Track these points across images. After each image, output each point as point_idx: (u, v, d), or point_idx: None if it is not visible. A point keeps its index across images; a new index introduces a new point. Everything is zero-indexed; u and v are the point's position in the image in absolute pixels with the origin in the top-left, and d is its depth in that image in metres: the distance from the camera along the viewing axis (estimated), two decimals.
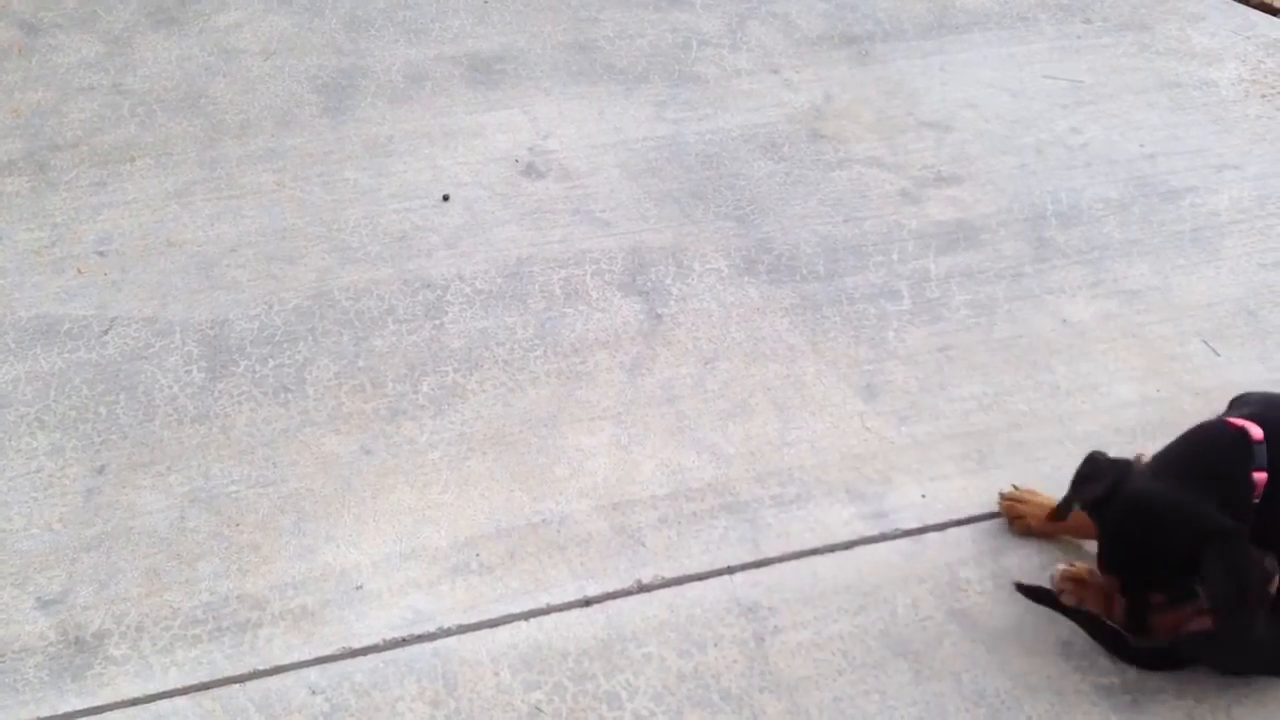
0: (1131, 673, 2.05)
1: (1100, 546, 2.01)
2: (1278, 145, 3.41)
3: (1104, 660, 2.07)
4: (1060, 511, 2.10)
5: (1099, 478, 2.01)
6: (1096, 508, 2.00)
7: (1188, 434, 2.06)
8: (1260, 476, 1.90)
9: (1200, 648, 1.98)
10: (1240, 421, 1.97)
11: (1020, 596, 2.18)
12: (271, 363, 2.64)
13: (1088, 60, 3.77)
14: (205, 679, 2.05)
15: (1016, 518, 2.31)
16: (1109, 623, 2.05)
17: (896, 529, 2.33)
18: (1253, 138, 3.45)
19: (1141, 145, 3.41)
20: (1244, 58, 3.80)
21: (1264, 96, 3.62)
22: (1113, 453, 2.39)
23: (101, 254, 2.90)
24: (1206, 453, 1.99)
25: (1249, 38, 3.90)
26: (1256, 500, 1.91)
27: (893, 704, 2.02)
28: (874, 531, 2.33)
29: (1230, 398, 2.53)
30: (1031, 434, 2.54)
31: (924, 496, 2.39)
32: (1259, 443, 1.93)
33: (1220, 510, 1.86)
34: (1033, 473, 2.44)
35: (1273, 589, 1.85)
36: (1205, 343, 2.76)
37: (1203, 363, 2.70)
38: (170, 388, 2.58)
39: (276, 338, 2.70)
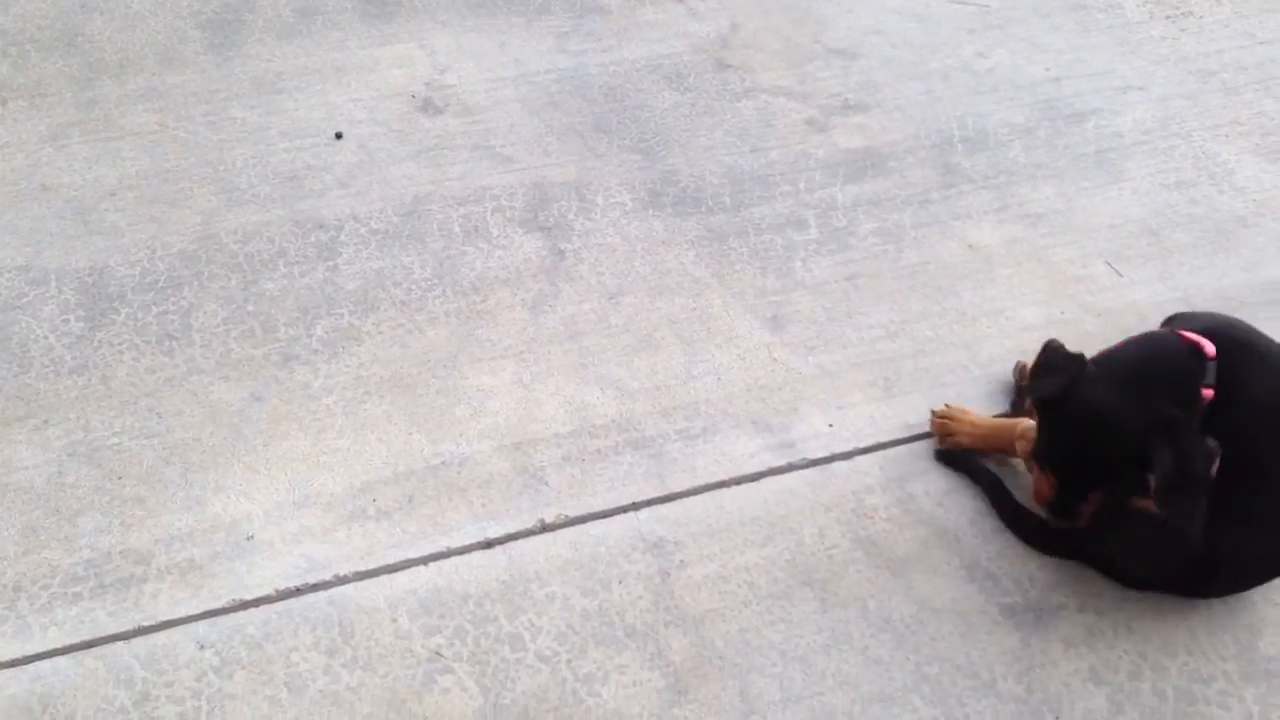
0: (1034, 591, 2.05)
1: (1041, 439, 2.00)
2: (1181, 66, 3.41)
3: (1007, 580, 2.07)
4: (1016, 407, 2.20)
5: (1056, 372, 1.99)
6: (1048, 405, 1.98)
7: (1140, 341, 2.05)
8: (1207, 393, 1.90)
9: (1102, 547, 2.00)
10: (1194, 337, 1.95)
11: (923, 522, 2.17)
12: (155, 310, 2.53)
13: None
14: (87, 637, 1.96)
15: (947, 435, 2.30)
16: (1015, 499, 2.10)
17: (804, 459, 2.30)
18: (1156, 59, 3.44)
19: (1047, 69, 3.39)
20: None
21: (1168, 18, 3.62)
22: (1017, 376, 2.39)
23: None
24: (1160, 362, 1.97)
25: None
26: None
27: (799, 633, 2.00)
28: (781, 462, 2.29)
29: (1133, 318, 2.54)
30: (938, 360, 2.52)
31: (831, 426, 2.36)
32: (1211, 360, 1.92)
33: None
34: (939, 398, 2.42)
35: (1214, 469, 1.85)
36: (1109, 264, 2.75)
37: (1106, 284, 2.70)
38: (46, 338, 2.45)
39: (160, 284, 2.59)
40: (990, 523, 2.16)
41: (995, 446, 2.22)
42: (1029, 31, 3.53)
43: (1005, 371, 2.46)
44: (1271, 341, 1.99)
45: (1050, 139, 3.13)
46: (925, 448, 2.32)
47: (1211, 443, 1.84)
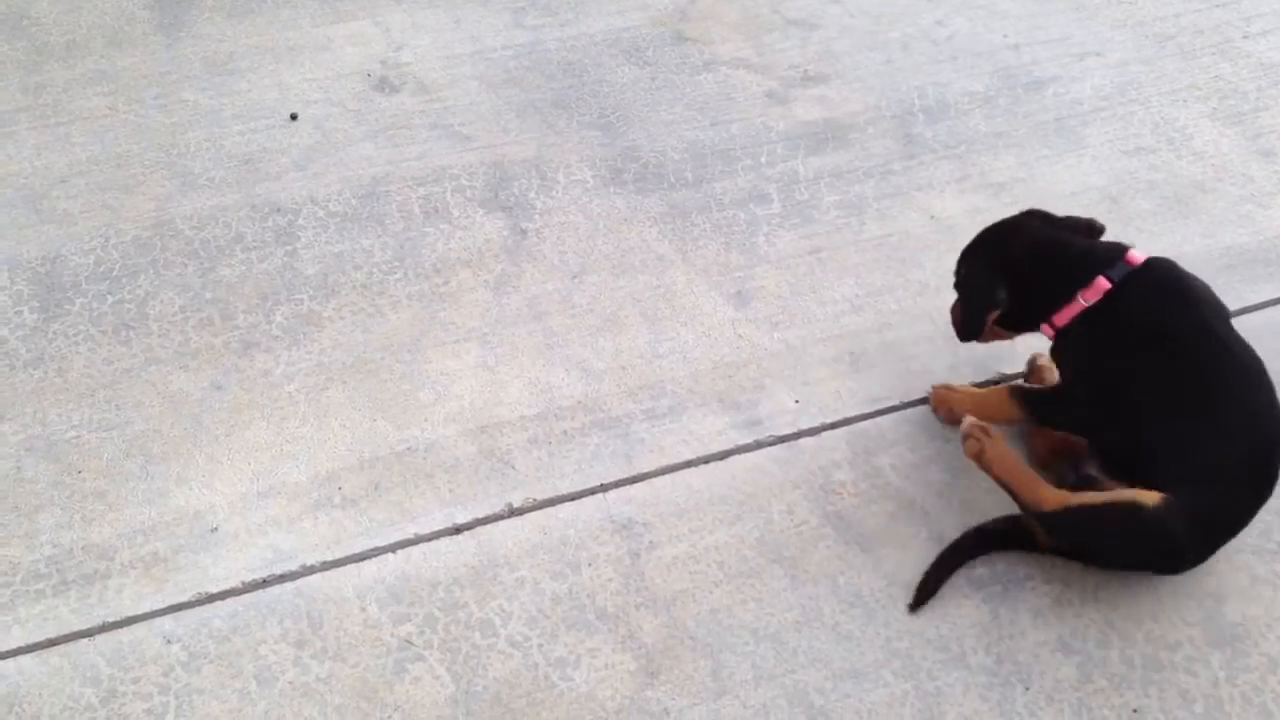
0: (1001, 563, 2.07)
1: None
2: (1138, 31, 3.41)
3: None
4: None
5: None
6: None
7: (1085, 221, 2.18)
8: (1103, 283, 2.00)
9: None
10: (1135, 253, 2.05)
11: (891, 496, 2.17)
12: (110, 299, 2.49)
13: None
14: (52, 635, 1.94)
15: (941, 403, 2.31)
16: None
17: (770, 436, 2.30)
18: (1114, 24, 3.44)
19: (1005, 36, 3.38)
20: None
21: None
22: (981, 348, 2.40)
23: None
24: (1078, 233, 2.14)
25: None
26: (1085, 303, 2.02)
27: (770, 611, 2.00)
28: (748, 440, 2.29)
29: None
30: (903, 332, 2.52)
31: (797, 402, 2.36)
32: (1128, 263, 2.02)
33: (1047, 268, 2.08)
34: (904, 371, 2.42)
35: (986, 319, 2.14)
36: None
37: None
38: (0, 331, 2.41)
39: (114, 272, 2.54)
40: (958, 496, 2.17)
41: (989, 414, 2.23)
42: None
43: (971, 344, 2.46)
44: (1205, 300, 2.04)
45: (1010, 107, 3.13)
46: (892, 422, 2.32)
47: (1001, 295, 2.09)
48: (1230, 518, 1.95)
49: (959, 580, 2.04)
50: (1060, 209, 2.76)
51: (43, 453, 2.20)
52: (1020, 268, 2.10)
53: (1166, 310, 2.02)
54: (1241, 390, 1.95)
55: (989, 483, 2.15)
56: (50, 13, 3.22)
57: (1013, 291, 2.11)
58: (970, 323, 2.20)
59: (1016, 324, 2.18)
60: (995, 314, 2.14)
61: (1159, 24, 3.44)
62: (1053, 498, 2.02)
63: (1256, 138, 3.03)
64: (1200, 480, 1.90)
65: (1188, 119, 3.09)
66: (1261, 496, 1.94)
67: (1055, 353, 2.15)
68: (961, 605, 2.00)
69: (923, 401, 2.35)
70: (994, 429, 2.18)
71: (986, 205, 2.81)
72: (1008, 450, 2.16)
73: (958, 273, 2.25)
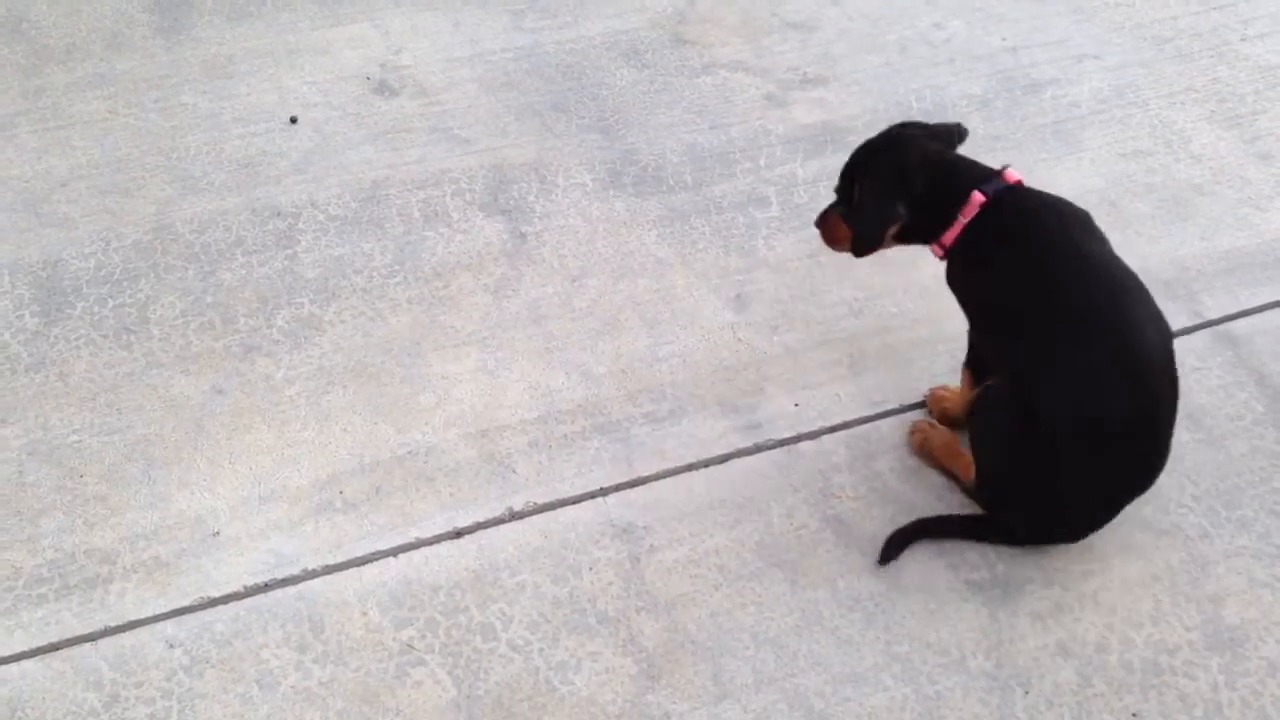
0: (1001, 566, 2.08)
1: None
2: (1136, 33, 3.42)
3: (974, 556, 2.09)
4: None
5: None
6: None
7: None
8: (977, 197, 2.05)
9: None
10: (1013, 172, 2.12)
11: (890, 500, 2.18)
12: (111, 303, 2.49)
13: None
14: (54, 639, 1.94)
15: (937, 401, 2.32)
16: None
17: (770, 440, 2.31)
18: (1112, 26, 3.45)
19: (1003, 39, 3.39)
20: None
21: None
22: None
23: None
24: (954, 138, 2.23)
25: None
26: (963, 218, 2.06)
27: (770, 614, 2.01)
28: (748, 443, 2.30)
29: None
30: (902, 336, 2.52)
31: (797, 405, 2.37)
32: (1005, 180, 2.09)
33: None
34: (904, 375, 2.43)
35: (885, 233, 2.13)
36: None
37: None
38: (1, 335, 2.41)
39: (115, 276, 2.55)
40: (956, 499, 2.18)
41: None
42: (984, 2, 3.53)
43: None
44: (1077, 218, 2.10)
45: (1008, 110, 3.14)
46: (891, 425, 2.33)
47: (901, 210, 2.09)
48: (1113, 430, 1.92)
49: (957, 584, 2.05)
50: None
51: (45, 457, 2.21)
52: (914, 182, 2.11)
53: (1038, 226, 2.05)
54: (1115, 305, 1.96)
55: None
56: (49, 16, 3.22)
57: (908, 206, 2.11)
58: (870, 236, 2.17)
59: (909, 238, 2.18)
60: (895, 228, 2.14)
61: (1157, 27, 3.45)
62: None
63: (1254, 140, 3.04)
64: (1079, 396, 1.91)
65: (1186, 122, 3.10)
66: (1143, 411, 1.93)
67: (949, 278, 2.17)
68: (961, 609, 2.01)
69: (922, 405, 2.36)
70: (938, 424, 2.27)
71: None
72: (951, 438, 2.21)
73: (843, 185, 2.23)
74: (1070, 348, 1.93)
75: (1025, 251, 2.03)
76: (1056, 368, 1.94)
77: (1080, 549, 2.09)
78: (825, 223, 2.29)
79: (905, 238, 2.18)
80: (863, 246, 2.19)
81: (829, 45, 3.35)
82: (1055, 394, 1.92)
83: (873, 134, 2.98)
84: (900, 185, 2.12)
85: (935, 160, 2.14)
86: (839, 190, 2.26)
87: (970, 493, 2.15)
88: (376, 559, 2.09)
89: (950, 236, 2.10)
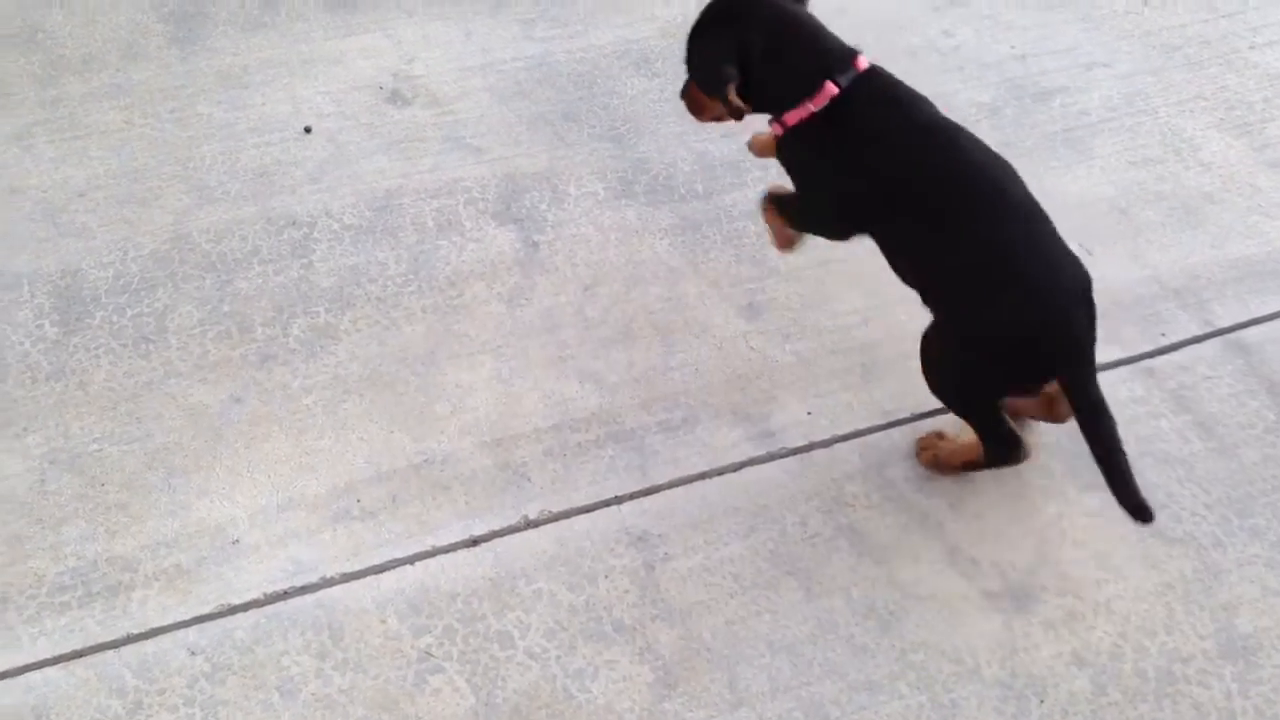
0: (1015, 575, 2.09)
1: None
2: (1145, 41, 3.43)
3: (987, 565, 2.11)
4: None
5: None
6: None
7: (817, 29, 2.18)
8: (830, 88, 2.06)
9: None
10: (863, 58, 2.13)
11: (904, 508, 2.20)
12: (129, 312, 2.51)
13: None
14: (77, 647, 1.97)
15: (925, 449, 2.30)
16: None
17: (783, 448, 2.33)
18: (1121, 34, 3.47)
19: (1013, 46, 3.41)
20: None
21: None
22: None
23: None
24: (820, 32, 2.15)
25: None
26: (815, 108, 2.08)
27: (785, 623, 2.02)
28: (761, 452, 2.32)
29: (1105, 299, 2.57)
30: (913, 345, 2.52)
31: (810, 414, 2.39)
32: (857, 69, 2.10)
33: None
34: (916, 383, 2.43)
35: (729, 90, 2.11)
36: (1079, 244, 2.77)
37: None
38: (22, 344, 2.44)
39: (133, 285, 2.57)
40: (969, 508, 2.20)
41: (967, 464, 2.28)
42: (994, 8, 3.55)
43: None
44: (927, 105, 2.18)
45: (1018, 117, 3.15)
46: (904, 434, 2.35)
47: (731, 70, 2.08)
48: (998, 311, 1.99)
49: (972, 593, 2.06)
50: (1070, 219, 2.79)
51: (66, 465, 2.23)
52: (756, 52, 2.09)
53: (892, 117, 2.11)
54: (980, 190, 2.07)
55: (1001, 494, 2.19)
56: (65, 26, 3.25)
57: (748, 73, 2.10)
58: (710, 88, 2.18)
59: (761, 105, 2.18)
60: (732, 89, 2.11)
61: (1166, 34, 3.46)
62: None
63: (1263, 149, 3.05)
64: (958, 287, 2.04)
65: (1195, 130, 3.12)
66: (1026, 299, 1.98)
67: (780, 152, 2.24)
68: (975, 618, 2.03)
69: (935, 413, 2.37)
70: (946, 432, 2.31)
71: None
72: (955, 441, 2.25)
73: (690, 50, 2.24)
74: (946, 241, 2.04)
75: (885, 143, 2.09)
76: (936, 263, 2.08)
77: (1094, 557, 2.11)
78: (688, 93, 2.32)
79: (758, 105, 2.17)
80: (704, 106, 2.25)
81: None
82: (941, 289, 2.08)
83: None
84: (736, 49, 2.10)
85: (786, 26, 2.12)
86: (687, 60, 2.27)
87: (991, 464, 2.18)
88: (394, 567, 2.11)
89: (794, 118, 2.11)
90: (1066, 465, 2.29)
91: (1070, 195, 2.91)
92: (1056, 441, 2.31)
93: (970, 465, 2.23)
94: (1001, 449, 2.14)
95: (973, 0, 3.57)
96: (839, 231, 2.29)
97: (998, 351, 2.03)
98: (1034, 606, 2.05)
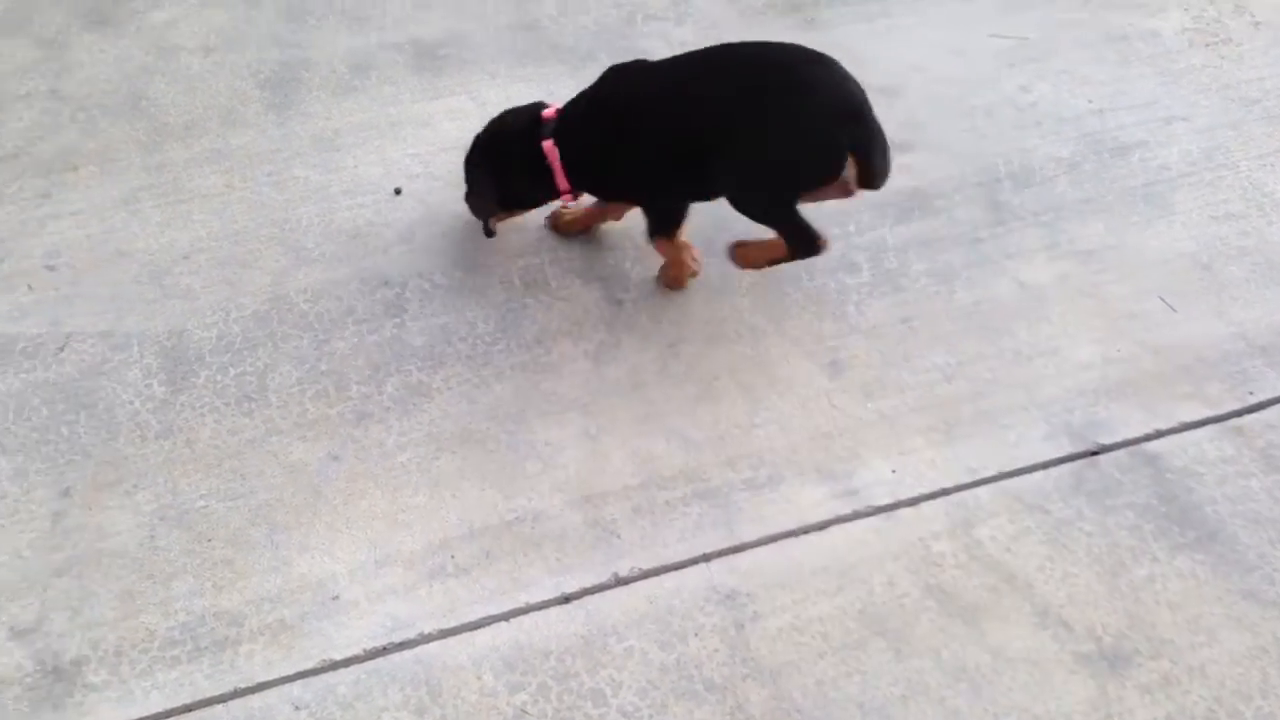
0: (1107, 638, 2.09)
1: None
2: (1223, 95, 3.43)
3: (1080, 628, 2.11)
4: None
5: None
6: None
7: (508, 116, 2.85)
8: (549, 145, 2.69)
9: None
10: (551, 110, 2.74)
11: (992, 568, 2.21)
12: (232, 371, 2.61)
13: (1032, 16, 3.78)
14: (187, 700, 2.04)
15: (738, 256, 2.77)
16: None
17: (869, 506, 2.35)
18: (1198, 88, 3.47)
19: (1090, 101, 3.42)
20: (1186, 6, 3.82)
21: (1208, 45, 3.64)
22: (1077, 416, 2.44)
23: (51, 268, 2.84)
24: (517, 121, 2.80)
25: None
26: (555, 164, 2.70)
27: (875, 684, 2.04)
28: (847, 510, 2.34)
29: (1189, 355, 2.58)
30: (997, 401, 2.56)
31: (894, 471, 2.41)
32: (549, 120, 2.72)
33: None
34: (1000, 440, 2.46)
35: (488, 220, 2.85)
36: (1162, 299, 2.79)
37: (1161, 320, 2.73)
38: (131, 403, 2.54)
39: (236, 345, 2.67)
40: (1060, 568, 2.20)
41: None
42: (1070, 64, 3.57)
43: (1065, 412, 2.51)
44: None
45: (1097, 173, 3.17)
46: (990, 493, 2.36)
47: (496, 196, 2.82)
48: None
49: (1064, 656, 2.07)
50: (1151, 275, 2.83)
51: (175, 521, 2.32)
52: (507, 173, 2.76)
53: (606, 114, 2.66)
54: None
55: (1090, 555, 2.20)
56: (168, 94, 3.39)
57: (509, 192, 2.81)
58: (484, 225, 2.84)
59: (525, 206, 2.89)
60: (496, 211, 2.83)
61: (1244, 88, 3.46)
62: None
63: None
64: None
65: (1276, 184, 3.11)
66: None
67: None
68: (1068, 681, 2.03)
69: (1022, 472, 2.38)
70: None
71: (1076, 272, 2.85)
72: (761, 242, 2.69)
73: (466, 178, 2.86)
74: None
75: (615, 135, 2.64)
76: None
77: (1187, 620, 2.11)
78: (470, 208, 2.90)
79: (529, 204, 2.87)
80: (486, 230, 2.85)
81: (914, 110, 3.40)
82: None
83: (961, 199, 3.06)
84: (491, 176, 2.78)
85: (508, 146, 2.75)
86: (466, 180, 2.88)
87: (794, 256, 2.63)
88: (488, 623, 2.16)
89: (564, 181, 2.71)
90: (1156, 525, 2.29)
91: (1151, 251, 2.91)
92: (1146, 502, 2.31)
93: (776, 260, 2.66)
94: (808, 242, 2.58)
95: (1048, 56, 3.59)
96: (678, 195, 2.74)
97: (810, 158, 2.49)
98: (1128, 670, 2.04)
